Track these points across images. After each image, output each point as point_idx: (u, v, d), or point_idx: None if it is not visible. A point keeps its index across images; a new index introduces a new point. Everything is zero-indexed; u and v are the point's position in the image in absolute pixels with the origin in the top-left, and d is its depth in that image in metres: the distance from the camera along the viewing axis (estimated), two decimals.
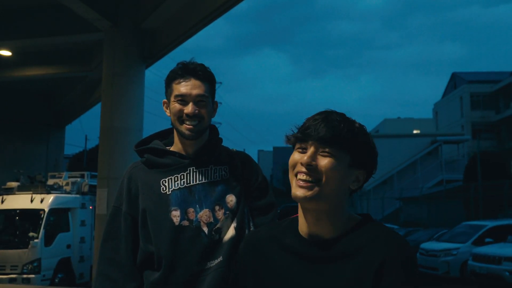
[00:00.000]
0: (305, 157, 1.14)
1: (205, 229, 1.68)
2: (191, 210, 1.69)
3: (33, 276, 9.49)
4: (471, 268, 11.03)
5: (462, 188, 21.34)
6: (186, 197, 1.70)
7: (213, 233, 1.68)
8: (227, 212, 1.72)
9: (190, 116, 1.72)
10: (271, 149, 64.18)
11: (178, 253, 1.65)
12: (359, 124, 1.20)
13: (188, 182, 1.72)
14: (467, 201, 19.35)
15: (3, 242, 10.12)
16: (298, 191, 1.14)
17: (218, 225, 1.70)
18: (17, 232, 9.99)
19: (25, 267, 9.44)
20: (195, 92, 1.73)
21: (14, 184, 11.28)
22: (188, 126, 1.72)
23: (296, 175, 1.16)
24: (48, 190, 10.70)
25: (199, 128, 1.74)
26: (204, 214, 1.69)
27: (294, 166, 1.16)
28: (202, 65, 1.80)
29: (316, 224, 1.17)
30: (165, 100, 1.82)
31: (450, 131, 37.56)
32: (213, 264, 1.66)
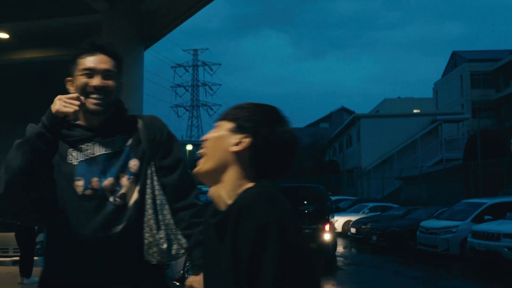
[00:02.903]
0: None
1: (110, 197, 1.73)
2: (95, 179, 1.73)
3: (36, 258, 9.57)
4: (470, 245, 11.14)
5: (462, 166, 21.41)
6: (91, 167, 1.74)
7: (117, 199, 1.73)
8: (131, 176, 1.76)
9: (97, 89, 1.73)
10: None
11: (81, 221, 1.69)
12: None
13: (93, 153, 1.76)
14: (467, 179, 19.43)
15: (5, 224, 10.21)
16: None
17: (122, 191, 1.74)
18: None
19: None
20: (103, 66, 1.75)
21: None
22: (94, 101, 1.73)
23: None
24: None
25: (106, 102, 1.75)
26: (109, 183, 1.73)
27: None
28: (110, 42, 1.84)
29: (214, 193, 1.31)
30: (69, 78, 1.82)
31: (450, 110, 37.49)
32: (118, 230, 1.70)
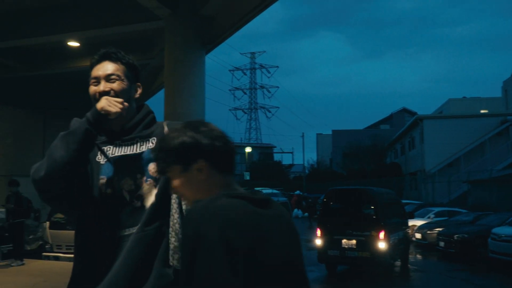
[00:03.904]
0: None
1: (127, 197, 1.80)
2: (114, 179, 1.82)
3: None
4: None
5: None
6: (111, 167, 1.83)
7: (135, 200, 1.80)
8: (149, 179, 1.82)
9: (102, 94, 1.83)
10: (330, 132, 63.51)
11: (102, 219, 1.78)
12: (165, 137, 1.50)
13: (113, 153, 1.86)
14: None
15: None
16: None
17: (139, 192, 1.81)
18: None
19: None
20: (106, 72, 1.86)
21: None
22: None
23: None
24: None
25: None
26: (126, 183, 1.81)
27: None
28: (116, 49, 1.93)
29: None
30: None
31: None
32: (134, 230, 1.76)
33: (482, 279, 11.07)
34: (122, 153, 1.86)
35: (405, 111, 61.94)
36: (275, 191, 25.56)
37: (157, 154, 1.40)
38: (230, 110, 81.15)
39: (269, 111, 79.89)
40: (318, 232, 10.47)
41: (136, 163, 1.84)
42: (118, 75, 1.87)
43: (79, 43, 13.36)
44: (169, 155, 1.36)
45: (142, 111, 1.96)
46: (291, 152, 75.74)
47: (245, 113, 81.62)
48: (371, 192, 10.91)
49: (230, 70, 79.13)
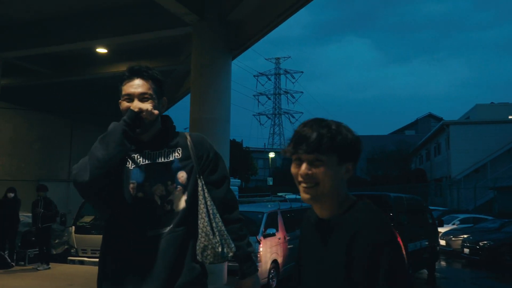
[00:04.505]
0: (301, 169, 1.40)
1: (158, 201, 1.97)
2: (146, 184, 1.99)
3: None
4: None
5: None
6: (143, 173, 2.00)
7: (165, 204, 1.98)
8: (179, 186, 2.01)
9: None
10: None
11: (133, 220, 1.95)
12: (336, 124, 1.42)
13: (144, 161, 2.03)
14: None
15: (99, 227, 10.94)
16: (304, 195, 1.42)
17: (170, 197, 1.99)
18: None
19: None
20: (139, 90, 2.00)
21: None
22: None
23: (299, 183, 1.43)
24: None
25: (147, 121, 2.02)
26: (158, 188, 1.98)
27: (296, 176, 1.43)
28: (147, 66, 2.07)
29: (320, 208, 1.46)
30: (120, 100, 2.09)
31: None
32: (165, 231, 1.95)
33: (508, 287, 10.91)
34: (152, 161, 2.03)
35: (431, 116, 61.11)
36: (298, 196, 25.55)
37: (329, 139, 1.38)
38: (254, 115, 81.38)
39: (293, 117, 79.77)
40: None
41: (166, 171, 2.02)
42: (150, 94, 2.02)
43: (107, 49, 13.67)
44: (341, 145, 1.38)
45: (168, 123, 2.16)
46: None
47: (269, 118, 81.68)
48: (387, 198, 10.36)
49: (254, 76, 79.45)
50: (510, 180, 24.73)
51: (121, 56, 14.72)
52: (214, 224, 2.03)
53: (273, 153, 55.76)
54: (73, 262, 11.11)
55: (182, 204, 2.00)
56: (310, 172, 1.38)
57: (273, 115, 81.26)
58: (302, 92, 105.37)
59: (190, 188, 2.03)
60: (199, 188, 2.05)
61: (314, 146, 1.37)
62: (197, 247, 2.01)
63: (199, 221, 2.01)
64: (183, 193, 2.01)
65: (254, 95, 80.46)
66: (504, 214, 20.32)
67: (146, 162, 2.03)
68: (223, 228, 2.05)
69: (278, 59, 79.19)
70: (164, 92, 2.12)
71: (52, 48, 12.70)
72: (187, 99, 18.94)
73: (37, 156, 18.97)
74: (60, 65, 15.61)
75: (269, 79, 79.57)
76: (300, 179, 1.40)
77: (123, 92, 2.04)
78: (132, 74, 2.04)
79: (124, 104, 2.03)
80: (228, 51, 9.62)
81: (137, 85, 2.01)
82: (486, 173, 30.11)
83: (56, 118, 19.63)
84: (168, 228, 1.95)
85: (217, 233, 2.02)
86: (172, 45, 13.82)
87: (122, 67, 15.52)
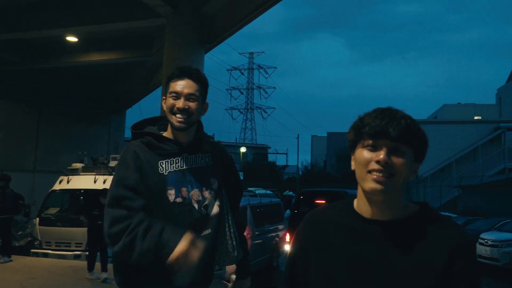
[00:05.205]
0: (381, 156, 1.23)
1: (196, 205, 2.02)
2: (184, 189, 2.00)
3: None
4: None
5: None
6: (180, 178, 2.01)
7: (202, 209, 2.03)
8: (212, 192, 2.08)
9: (180, 110, 1.99)
10: (325, 134, 63.63)
11: (173, 225, 1.90)
12: (414, 119, 1.29)
13: (182, 166, 2.03)
14: None
15: (69, 220, 10.70)
16: (375, 185, 1.23)
17: (205, 203, 2.05)
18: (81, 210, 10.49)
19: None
20: (186, 90, 2.01)
21: (78, 165, 11.79)
22: (178, 119, 2.00)
23: (369, 171, 1.25)
24: (110, 171, 11.12)
25: (189, 121, 2.02)
26: (195, 193, 2.02)
27: (367, 163, 1.25)
28: (197, 69, 2.10)
29: (379, 207, 1.28)
30: (163, 97, 2.09)
31: None
32: (203, 235, 2.00)
33: None
34: (190, 166, 2.06)
35: None
36: (268, 191, 25.62)
37: (416, 130, 1.27)
38: (226, 109, 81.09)
39: (265, 112, 79.94)
40: (287, 237, 10.26)
41: (202, 176, 2.07)
42: (197, 96, 2.03)
43: (77, 38, 13.40)
44: (421, 140, 1.28)
45: (202, 128, 2.18)
46: (286, 153, 75.73)
47: (241, 113, 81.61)
48: (345, 194, 10.29)
49: (228, 70, 79.08)
50: (474, 179, 25.42)
51: (93, 46, 14.46)
52: (232, 230, 2.17)
53: (244, 147, 55.78)
54: (37, 254, 10.77)
55: (215, 209, 2.09)
56: (390, 160, 1.22)
57: (246, 110, 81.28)
58: (275, 88, 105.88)
59: (220, 194, 2.13)
60: (223, 194, 2.17)
61: (402, 134, 1.22)
62: (219, 251, 2.14)
63: (225, 227, 2.16)
64: (215, 198, 2.09)
65: (227, 89, 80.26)
66: (468, 212, 20.89)
67: (185, 167, 2.04)
68: (236, 233, 2.19)
69: (252, 53, 79.12)
70: (206, 95, 2.13)
71: (21, 35, 12.38)
72: (158, 91, 18.75)
73: (1, 145, 18.47)
74: (29, 52, 15.23)
75: (242, 74, 79.51)
76: (375, 166, 1.23)
77: (171, 89, 2.03)
78: (182, 74, 2.05)
79: (170, 101, 2.02)
80: (201, 44, 9.57)
81: (186, 85, 2.02)
82: (452, 172, 30.88)
83: (23, 107, 19.15)
84: (205, 232, 2.03)
85: (233, 239, 2.16)
86: (145, 37, 13.64)
87: (94, 57, 15.26)
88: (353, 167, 1.31)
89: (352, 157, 1.32)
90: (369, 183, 1.24)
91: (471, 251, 1.24)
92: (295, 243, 1.46)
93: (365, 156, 1.26)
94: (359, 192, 1.33)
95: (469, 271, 1.20)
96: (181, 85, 2.02)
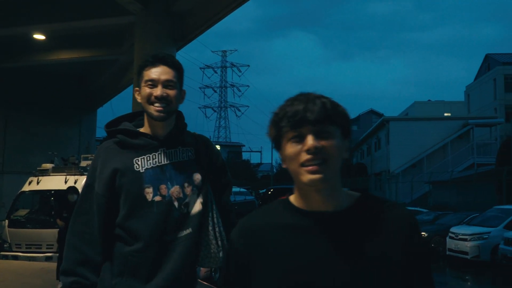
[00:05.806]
0: (308, 143, 1.14)
1: (176, 204, 1.87)
2: (163, 186, 1.86)
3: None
4: (502, 252, 10.90)
5: (494, 171, 20.93)
6: (158, 175, 1.86)
7: (182, 207, 1.88)
8: (194, 188, 1.93)
9: (159, 99, 1.85)
10: None
11: (151, 225, 1.82)
12: (329, 97, 1.21)
13: (160, 161, 1.89)
14: (500, 185, 18.98)
15: (39, 221, 10.50)
16: (311, 176, 1.14)
17: (186, 200, 1.90)
18: (52, 212, 10.32)
19: None
20: (163, 77, 1.87)
21: (48, 165, 11.60)
22: (157, 108, 1.85)
23: (302, 165, 1.15)
24: (81, 171, 10.97)
25: (168, 110, 1.87)
26: (175, 190, 1.88)
27: (297, 156, 1.16)
28: (171, 55, 1.97)
29: (321, 198, 1.19)
30: (136, 88, 1.94)
31: (483, 114, 36.62)
32: (182, 235, 1.87)
33: (440, 276, 11.47)
34: (170, 161, 1.90)
35: (372, 112, 62.99)
36: (242, 189, 25.61)
37: (333, 106, 1.19)
38: (199, 108, 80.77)
39: (239, 110, 79.99)
40: None
41: (183, 172, 1.91)
42: (174, 82, 1.89)
43: (45, 36, 13.13)
44: (343, 115, 1.20)
45: (182, 119, 2.03)
46: (260, 151, 75.92)
47: (215, 111, 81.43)
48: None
49: (201, 68, 78.77)
50: (444, 175, 25.95)
51: (61, 44, 14.17)
52: (217, 229, 1.98)
53: (218, 146, 55.62)
54: (6, 257, 10.60)
55: (197, 206, 1.93)
56: (319, 144, 1.13)
57: (219, 108, 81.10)
58: (248, 86, 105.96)
59: (204, 191, 1.97)
60: (209, 191, 2.01)
61: (321, 114, 1.14)
62: (202, 252, 1.96)
63: (209, 225, 1.98)
64: (198, 195, 1.94)
65: (200, 88, 79.92)
66: (438, 207, 21.32)
67: (163, 162, 1.89)
68: (223, 233, 1.99)
69: (224, 52, 78.97)
70: (182, 82, 1.99)
71: None
72: (130, 90, 18.52)
73: None
74: None
75: (215, 72, 79.30)
76: (305, 157, 1.14)
77: (146, 78, 1.87)
78: (157, 60, 1.90)
79: (146, 90, 1.87)
80: (172, 42, 9.49)
81: (162, 72, 1.88)
82: (423, 167, 31.46)
83: None
84: (185, 232, 1.88)
85: (219, 238, 1.97)
86: (115, 34, 13.44)
87: (63, 55, 14.96)
88: (284, 165, 1.22)
89: (281, 155, 1.22)
90: (305, 176, 1.15)
91: (419, 227, 1.25)
92: (229, 260, 1.28)
93: (293, 150, 1.16)
94: (297, 187, 1.23)
95: (423, 245, 1.22)
96: (157, 72, 1.87)
